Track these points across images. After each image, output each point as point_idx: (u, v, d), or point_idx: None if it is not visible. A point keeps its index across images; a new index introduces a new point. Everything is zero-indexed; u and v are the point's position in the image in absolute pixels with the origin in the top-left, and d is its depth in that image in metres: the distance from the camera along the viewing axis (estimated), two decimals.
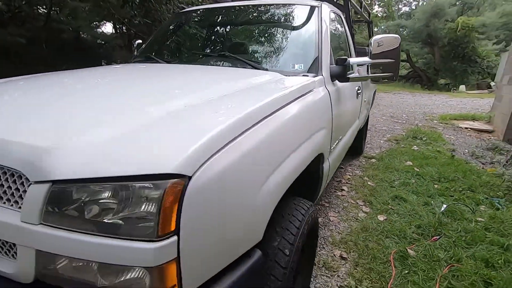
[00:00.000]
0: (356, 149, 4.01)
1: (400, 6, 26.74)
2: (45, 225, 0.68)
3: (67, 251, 0.68)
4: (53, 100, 1.02)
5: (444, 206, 2.74)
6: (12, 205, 0.74)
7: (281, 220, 1.19)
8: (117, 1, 6.10)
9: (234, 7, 2.22)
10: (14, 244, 0.76)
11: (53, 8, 7.04)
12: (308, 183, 1.55)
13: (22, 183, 0.73)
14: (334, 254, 2.12)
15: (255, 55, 1.84)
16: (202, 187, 0.70)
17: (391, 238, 2.30)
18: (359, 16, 4.78)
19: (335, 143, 1.89)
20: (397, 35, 1.76)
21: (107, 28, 11.78)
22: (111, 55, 10.23)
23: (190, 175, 0.68)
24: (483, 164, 3.99)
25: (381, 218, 2.59)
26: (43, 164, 0.69)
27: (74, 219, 0.68)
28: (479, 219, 2.58)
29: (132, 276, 0.68)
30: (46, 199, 0.68)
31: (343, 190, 3.14)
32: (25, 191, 0.72)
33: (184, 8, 2.95)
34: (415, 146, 4.69)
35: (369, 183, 3.31)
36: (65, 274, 0.71)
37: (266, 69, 1.61)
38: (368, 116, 4.51)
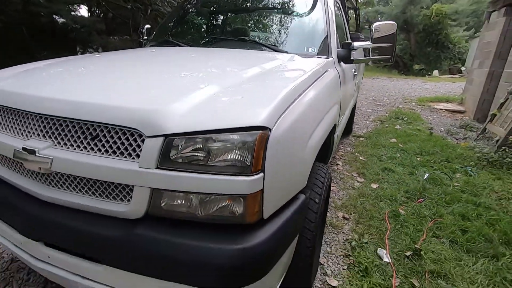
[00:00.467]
0: (346, 128, 4.35)
1: None
2: (160, 168, 0.90)
3: (179, 187, 0.90)
4: (140, 73, 1.20)
5: (427, 175, 3.14)
6: (125, 157, 0.94)
7: (310, 177, 1.45)
8: None
9: None
10: (124, 189, 0.96)
11: None
12: (325, 149, 1.81)
13: (135, 139, 0.93)
14: (337, 216, 2.43)
15: (273, 39, 2.05)
16: (277, 137, 0.93)
17: (384, 201, 2.65)
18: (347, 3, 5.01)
19: (341, 118, 2.17)
20: (394, 22, 2.03)
21: (82, 11, 11.21)
22: (87, 39, 9.82)
23: (271, 127, 0.91)
24: (457, 139, 4.47)
25: (374, 186, 2.94)
26: (156, 122, 0.90)
27: (185, 164, 0.90)
28: (456, 184, 2.99)
29: (226, 204, 0.92)
30: (161, 148, 0.89)
31: (338, 164, 3.46)
32: (138, 145, 0.92)
33: None
34: (397, 126, 5.12)
35: (360, 158, 3.66)
36: (172, 207, 0.94)
37: (286, 52, 1.83)
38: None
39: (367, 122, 5.49)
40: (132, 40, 11.01)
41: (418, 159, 3.64)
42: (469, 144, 4.09)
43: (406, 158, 3.66)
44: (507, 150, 3.42)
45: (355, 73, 2.81)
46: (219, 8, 2.55)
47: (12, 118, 1.14)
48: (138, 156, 0.92)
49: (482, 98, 5.69)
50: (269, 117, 0.91)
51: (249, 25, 2.32)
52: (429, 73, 19.35)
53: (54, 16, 8.72)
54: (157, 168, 0.90)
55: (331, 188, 2.87)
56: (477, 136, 4.31)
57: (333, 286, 1.73)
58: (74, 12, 10.33)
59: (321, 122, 1.37)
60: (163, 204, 0.94)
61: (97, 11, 10.95)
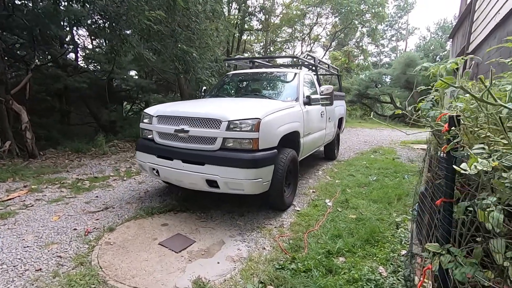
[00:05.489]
0: (330, 155, 6.24)
1: (381, 57, 31.14)
2: (227, 131, 2.86)
3: (233, 137, 2.85)
4: (213, 104, 3.28)
5: (374, 177, 4.85)
6: (215, 128, 2.92)
7: (281, 152, 3.33)
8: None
9: (260, 72, 4.63)
10: (214, 139, 2.93)
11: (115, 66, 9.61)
12: (295, 146, 3.70)
13: (218, 122, 2.92)
14: (309, 191, 4.19)
15: (270, 93, 4.16)
16: (263, 122, 2.89)
17: (340, 187, 4.37)
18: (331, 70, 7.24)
19: (307, 134, 4.09)
20: (331, 86, 4.08)
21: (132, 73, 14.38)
22: (134, 97, 12.66)
23: (262, 118, 2.88)
24: (412, 163, 6.13)
25: (337, 181, 4.68)
26: (225, 117, 2.89)
27: (235, 130, 2.86)
28: (391, 182, 4.67)
29: (247, 142, 2.86)
30: (227, 125, 2.87)
31: (319, 172, 5.24)
32: (219, 125, 2.91)
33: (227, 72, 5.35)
34: (372, 156, 6.87)
35: (334, 169, 5.43)
36: (230, 144, 2.88)
37: (276, 99, 3.89)
38: (339, 135, 6.73)
39: (351, 154, 7.28)
40: (174, 97, 13.90)
41: (375, 171, 5.35)
42: (416, 165, 5.76)
43: (367, 171, 5.38)
44: None
45: (322, 113, 4.78)
46: (244, 78, 4.81)
47: (171, 120, 3.18)
48: (219, 128, 2.90)
49: None
50: (261, 115, 2.89)
51: (259, 86, 4.49)
52: None
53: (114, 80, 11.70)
54: (225, 131, 2.87)
55: (310, 181, 4.66)
56: (423, 159, 5.98)
57: (297, 210, 3.46)
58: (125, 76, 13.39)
59: (286, 125, 3.32)
60: (227, 143, 2.89)
61: (146, 75, 14.00)
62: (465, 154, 0.93)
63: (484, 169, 0.73)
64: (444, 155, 1.07)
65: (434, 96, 2.14)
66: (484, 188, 0.88)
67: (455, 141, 0.99)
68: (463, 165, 0.80)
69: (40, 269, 2.14)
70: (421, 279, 1.03)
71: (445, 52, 28.19)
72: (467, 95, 1.14)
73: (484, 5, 4.61)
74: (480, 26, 4.80)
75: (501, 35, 3.66)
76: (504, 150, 0.80)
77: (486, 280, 0.75)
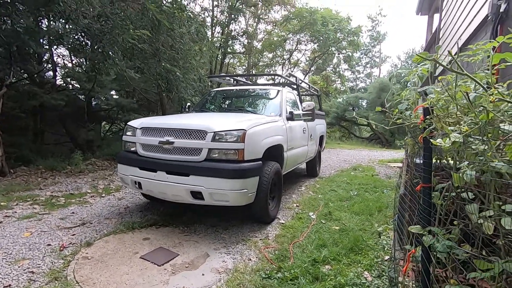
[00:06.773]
0: (312, 172, 6.35)
1: (357, 82, 32.94)
2: (212, 142, 2.89)
3: (218, 147, 2.87)
4: (199, 117, 3.30)
5: (355, 192, 4.97)
6: (200, 139, 2.94)
7: (265, 164, 3.38)
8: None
9: (244, 89, 4.76)
10: (199, 151, 2.94)
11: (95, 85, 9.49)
12: (278, 159, 3.76)
13: (204, 133, 2.94)
14: (293, 205, 4.21)
15: (255, 108, 4.27)
16: (248, 134, 2.94)
17: (323, 201, 4.43)
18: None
19: (290, 148, 4.18)
20: (312, 103, 4.26)
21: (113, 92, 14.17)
22: (114, 117, 12.45)
23: (247, 130, 2.94)
24: (390, 179, 6.35)
25: (320, 196, 4.75)
26: (211, 128, 2.92)
27: (220, 141, 2.89)
28: (371, 196, 4.80)
29: (233, 153, 2.89)
30: (213, 136, 2.90)
31: (302, 188, 5.30)
32: (204, 136, 2.93)
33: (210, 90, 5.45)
34: (352, 172, 7.05)
35: (317, 185, 5.51)
36: (215, 155, 2.90)
37: (260, 114, 3.99)
38: (320, 152, 6.91)
39: (332, 171, 7.44)
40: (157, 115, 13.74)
41: (356, 187, 5.48)
42: (393, 181, 5.97)
43: (348, 186, 5.51)
44: None
45: (304, 129, 4.93)
46: (228, 95, 4.92)
47: (155, 131, 3.17)
48: (204, 139, 2.93)
49: None
50: (246, 127, 2.95)
51: (243, 102, 4.60)
52: (404, 146, 21.93)
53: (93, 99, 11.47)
54: (211, 142, 2.90)
55: (293, 196, 4.70)
56: (400, 175, 6.22)
57: (282, 223, 3.46)
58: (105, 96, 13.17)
59: (270, 137, 3.40)
60: (212, 154, 2.91)
61: (127, 94, 13.80)
62: (440, 135, 1.03)
63: (457, 140, 0.83)
64: (421, 143, 1.17)
65: (408, 101, 2.31)
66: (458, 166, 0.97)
67: (430, 128, 1.10)
68: (439, 140, 0.90)
69: (9, 285, 1.98)
70: (406, 265, 1.09)
71: (415, 79, 30.24)
72: (438, 89, 1.27)
73: (447, 33, 5.10)
74: (445, 52, 5.27)
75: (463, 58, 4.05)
76: (471, 126, 0.90)
77: (465, 251, 0.81)
